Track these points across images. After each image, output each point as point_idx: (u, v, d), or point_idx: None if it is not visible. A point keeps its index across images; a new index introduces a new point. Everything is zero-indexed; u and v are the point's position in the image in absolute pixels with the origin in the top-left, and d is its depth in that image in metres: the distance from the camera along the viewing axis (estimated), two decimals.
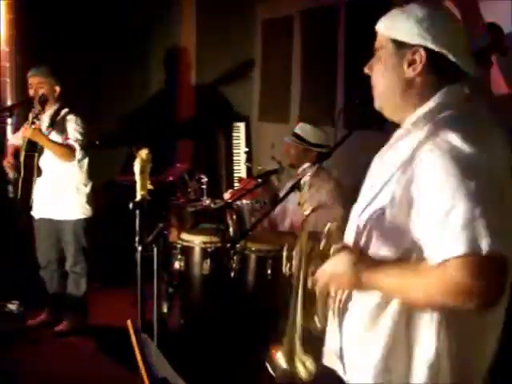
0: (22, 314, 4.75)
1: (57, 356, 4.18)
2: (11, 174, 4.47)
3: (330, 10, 5.26)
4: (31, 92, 4.40)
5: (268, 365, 1.66)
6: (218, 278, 3.78)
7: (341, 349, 1.68)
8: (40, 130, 4.29)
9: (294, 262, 1.77)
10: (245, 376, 3.40)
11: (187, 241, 3.91)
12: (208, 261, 3.80)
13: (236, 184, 5.80)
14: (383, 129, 4.66)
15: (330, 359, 1.74)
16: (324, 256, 1.68)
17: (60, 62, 4.64)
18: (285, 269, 1.81)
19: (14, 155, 4.49)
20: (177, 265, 3.93)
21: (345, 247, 1.66)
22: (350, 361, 1.68)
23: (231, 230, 4.05)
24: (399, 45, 1.60)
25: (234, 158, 6.21)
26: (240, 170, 6.14)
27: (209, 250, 3.83)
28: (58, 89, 4.43)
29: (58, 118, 4.41)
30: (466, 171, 1.40)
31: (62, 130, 4.37)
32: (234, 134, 6.25)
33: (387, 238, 1.55)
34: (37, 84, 4.37)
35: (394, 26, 1.62)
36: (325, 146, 3.83)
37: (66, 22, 5.43)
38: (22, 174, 4.40)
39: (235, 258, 3.68)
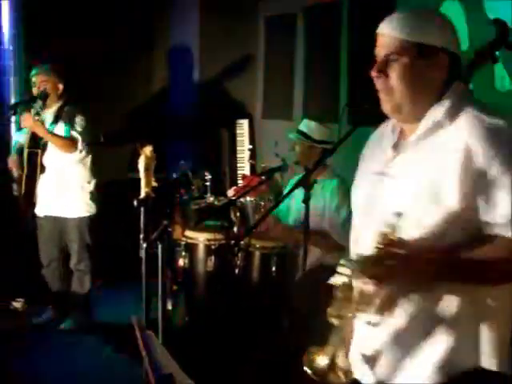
0: (26, 312, 4.76)
1: (61, 353, 4.18)
2: (15, 172, 4.48)
3: (333, 6, 5.25)
4: (34, 91, 4.41)
5: (307, 367, 1.65)
6: (222, 275, 3.79)
7: (378, 352, 1.71)
8: (42, 122, 4.30)
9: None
10: (249, 372, 3.40)
11: (191, 238, 3.91)
12: (212, 258, 3.80)
13: (240, 181, 5.80)
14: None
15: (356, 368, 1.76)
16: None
17: (63, 60, 4.64)
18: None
19: (17, 152, 4.50)
20: (181, 262, 3.93)
21: (404, 244, 1.63)
22: (392, 362, 1.70)
23: (235, 227, 4.05)
24: (422, 47, 1.65)
25: (238, 155, 6.20)
26: (244, 167, 6.13)
27: (213, 247, 3.83)
28: (61, 86, 4.44)
29: (61, 114, 4.42)
30: None
31: (65, 127, 4.38)
32: (238, 132, 6.24)
33: (443, 227, 1.61)
34: (40, 82, 4.38)
35: (416, 30, 1.66)
36: (329, 143, 3.82)
37: (68, 20, 5.44)
38: (25, 171, 4.41)
39: (239, 255, 3.69)
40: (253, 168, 5.94)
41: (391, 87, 1.68)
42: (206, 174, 4.72)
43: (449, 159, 1.61)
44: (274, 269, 3.67)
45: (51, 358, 4.11)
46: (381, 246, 1.58)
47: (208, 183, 4.67)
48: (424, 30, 1.66)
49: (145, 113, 6.00)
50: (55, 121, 4.39)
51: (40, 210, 4.54)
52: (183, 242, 3.94)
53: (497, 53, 2.70)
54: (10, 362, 3.96)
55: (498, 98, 3.76)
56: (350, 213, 3.82)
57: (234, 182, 5.91)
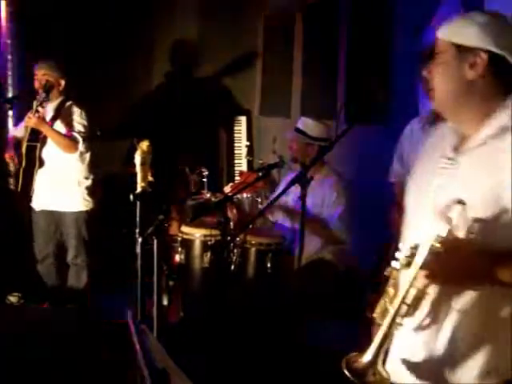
0: (22, 307, 4.75)
1: (56, 348, 4.18)
2: (12, 167, 4.47)
3: (332, 4, 5.25)
4: (36, 84, 4.40)
5: (347, 369, 1.64)
6: (218, 271, 3.78)
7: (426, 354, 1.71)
8: (44, 118, 4.29)
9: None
10: (244, 369, 3.41)
11: (187, 234, 3.91)
12: (208, 254, 3.80)
13: (237, 177, 5.80)
14: (385, 124, 4.68)
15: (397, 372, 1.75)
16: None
17: (61, 55, 4.63)
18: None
19: (14, 147, 4.49)
20: (177, 258, 3.93)
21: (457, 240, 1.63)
22: (435, 367, 1.70)
23: (232, 223, 4.05)
24: (461, 49, 1.68)
25: (235, 151, 6.20)
26: (241, 163, 6.13)
27: (209, 243, 3.83)
28: (63, 82, 4.44)
29: (62, 110, 4.41)
30: None
31: (66, 123, 4.38)
32: (236, 128, 6.25)
33: (498, 236, 1.60)
34: (42, 76, 4.37)
35: (456, 32, 1.70)
36: (327, 140, 3.83)
37: (67, 14, 5.42)
38: (23, 165, 4.40)
39: (235, 251, 3.69)
40: (250, 164, 5.94)
41: (433, 86, 1.75)
42: (204, 169, 4.72)
43: (507, 168, 1.59)
44: (269, 265, 3.67)
45: (45, 351, 4.11)
46: (439, 244, 1.58)
47: (205, 179, 4.68)
48: (462, 30, 1.69)
49: (143, 108, 5.99)
50: (55, 117, 4.39)
51: (36, 205, 4.53)
52: (179, 238, 3.94)
53: None
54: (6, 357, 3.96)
55: None
56: (346, 208, 3.86)
57: (231, 179, 5.91)
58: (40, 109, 4.28)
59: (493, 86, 1.69)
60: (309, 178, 2.80)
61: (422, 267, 1.60)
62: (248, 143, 6.16)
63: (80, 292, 4.58)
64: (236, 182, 4.96)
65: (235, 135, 6.24)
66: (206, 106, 6.15)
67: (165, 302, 4.07)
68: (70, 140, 4.33)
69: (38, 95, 4.32)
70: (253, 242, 3.73)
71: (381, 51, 4.42)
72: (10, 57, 5.31)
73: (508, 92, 1.69)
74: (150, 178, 2.28)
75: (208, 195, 4.53)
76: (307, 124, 3.93)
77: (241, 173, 5.51)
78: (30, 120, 4.27)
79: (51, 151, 4.40)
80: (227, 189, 4.35)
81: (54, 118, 4.38)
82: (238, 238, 3.62)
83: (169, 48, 6.33)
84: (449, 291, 1.66)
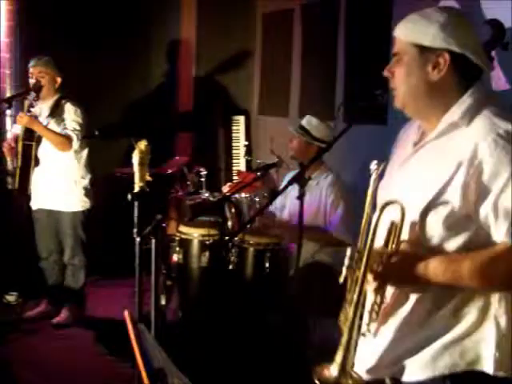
0: (19, 306, 4.75)
1: (54, 348, 4.18)
2: (10, 160, 4.45)
3: (331, 3, 5.24)
4: (31, 82, 4.39)
5: (317, 381, 1.64)
6: (216, 270, 3.78)
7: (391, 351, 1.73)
8: (36, 117, 4.28)
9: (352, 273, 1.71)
10: (242, 368, 3.41)
11: (186, 233, 3.91)
12: (206, 253, 3.80)
13: (235, 177, 5.80)
14: (384, 124, 4.66)
15: (376, 370, 1.76)
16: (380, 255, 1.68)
17: (60, 54, 4.62)
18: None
19: (15, 141, 4.47)
20: (175, 257, 3.92)
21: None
22: (393, 360, 1.72)
23: (230, 223, 4.05)
24: (423, 49, 1.70)
25: (234, 151, 6.20)
26: (239, 163, 6.13)
27: (207, 242, 3.83)
28: (58, 79, 4.43)
29: (58, 108, 4.40)
30: None
31: (61, 120, 4.37)
32: (234, 128, 6.24)
33: (453, 230, 1.63)
34: (37, 74, 4.37)
35: (416, 32, 1.71)
36: (326, 142, 3.82)
37: (65, 12, 5.41)
38: (19, 163, 4.39)
39: (233, 251, 3.69)
40: (248, 164, 5.94)
41: (396, 86, 1.76)
42: (202, 169, 4.72)
43: (458, 162, 1.61)
44: (267, 265, 3.67)
45: (44, 351, 4.11)
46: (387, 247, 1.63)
47: (203, 179, 4.67)
48: (423, 30, 1.69)
49: (141, 107, 5.98)
50: (51, 115, 4.38)
51: (34, 203, 4.53)
52: (177, 238, 3.94)
53: (492, 53, 2.71)
54: (2, 355, 3.96)
55: None
56: (346, 209, 3.86)
57: (229, 178, 5.90)
58: (31, 109, 4.27)
59: (455, 84, 1.71)
60: (307, 178, 2.79)
61: (367, 270, 1.64)
62: (246, 143, 6.16)
63: (77, 291, 4.58)
64: (234, 181, 4.96)
65: (233, 135, 6.24)
66: (204, 105, 6.15)
67: (163, 302, 4.07)
68: (63, 137, 4.32)
69: (29, 96, 4.31)
70: (251, 242, 3.73)
71: (380, 51, 4.42)
72: (8, 55, 5.30)
73: (468, 87, 1.71)
74: (148, 178, 2.28)
75: (206, 195, 4.53)
76: (312, 123, 3.93)
77: (239, 172, 5.51)
78: (22, 119, 4.27)
79: (47, 150, 4.39)
80: (225, 188, 4.35)
81: (49, 116, 4.37)
82: (236, 238, 3.62)
83: (167, 47, 6.33)
84: (400, 294, 1.70)
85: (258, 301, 3.69)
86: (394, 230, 1.67)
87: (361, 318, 1.67)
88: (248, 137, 6.25)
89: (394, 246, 1.67)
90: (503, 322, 1.65)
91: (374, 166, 1.74)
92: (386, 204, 1.67)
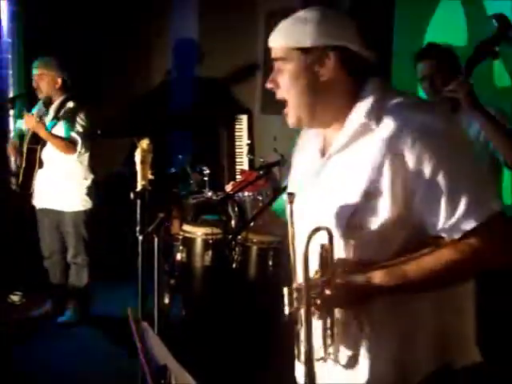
0: (24, 305, 4.76)
1: (58, 347, 4.19)
2: (13, 158, 4.46)
3: (333, 2, 5.23)
4: (34, 84, 4.41)
5: None
6: (220, 269, 3.78)
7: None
8: (44, 124, 4.30)
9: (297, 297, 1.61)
10: (245, 366, 3.41)
11: (189, 232, 3.91)
12: (210, 252, 3.80)
13: (238, 176, 5.79)
14: None
15: None
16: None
17: (62, 53, 4.63)
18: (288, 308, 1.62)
19: (18, 138, 4.48)
20: (178, 256, 3.93)
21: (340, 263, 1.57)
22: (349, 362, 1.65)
23: (233, 221, 4.04)
24: (305, 51, 1.60)
25: (236, 150, 6.20)
26: (242, 162, 6.13)
27: (210, 241, 3.83)
28: (59, 80, 4.43)
29: (63, 110, 4.41)
30: (454, 147, 1.53)
31: (67, 122, 4.38)
32: (237, 126, 6.24)
33: (387, 233, 1.54)
34: (38, 76, 4.37)
35: (292, 35, 1.62)
36: None
37: (67, 12, 5.42)
38: (23, 166, 4.41)
39: (237, 249, 3.69)
40: (251, 163, 5.93)
41: (283, 94, 1.65)
42: (205, 168, 4.72)
43: (378, 166, 1.52)
44: (270, 263, 3.67)
45: (49, 351, 4.12)
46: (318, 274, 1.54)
47: (206, 178, 4.67)
48: (298, 32, 1.61)
49: (144, 107, 5.99)
50: (55, 117, 4.39)
51: (37, 203, 4.54)
52: (181, 237, 3.94)
53: (497, 48, 2.69)
54: (6, 355, 3.97)
55: (496, 95, 3.76)
56: None
57: (232, 177, 5.90)
58: (38, 119, 4.29)
59: (349, 81, 1.62)
60: None
61: (310, 305, 1.53)
62: (249, 141, 6.15)
63: (81, 290, 4.59)
64: (237, 180, 4.96)
65: (236, 134, 6.23)
66: (206, 104, 6.15)
67: (166, 301, 4.07)
68: (68, 142, 4.34)
69: (39, 108, 4.34)
70: (254, 240, 3.72)
71: (380, 51, 4.41)
72: (10, 56, 5.31)
73: (363, 82, 1.63)
74: (151, 177, 2.28)
75: (209, 194, 4.53)
76: None
77: (242, 171, 5.50)
78: (29, 121, 4.27)
79: (51, 152, 4.40)
80: (228, 187, 4.34)
81: (54, 119, 4.38)
82: (239, 236, 3.62)
83: (169, 47, 6.33)
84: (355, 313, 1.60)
85: (262, 299, 3.69)
86: (325, 253, 1.54)
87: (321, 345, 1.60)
88: (251, 135, 6.24)
89: (329, 270, 1.54)
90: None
91: (286, 197, 1.57)
92: (313, 233, 1.50)
